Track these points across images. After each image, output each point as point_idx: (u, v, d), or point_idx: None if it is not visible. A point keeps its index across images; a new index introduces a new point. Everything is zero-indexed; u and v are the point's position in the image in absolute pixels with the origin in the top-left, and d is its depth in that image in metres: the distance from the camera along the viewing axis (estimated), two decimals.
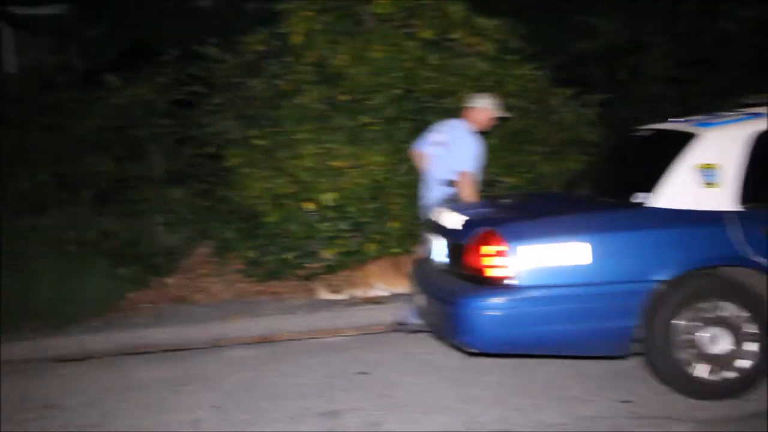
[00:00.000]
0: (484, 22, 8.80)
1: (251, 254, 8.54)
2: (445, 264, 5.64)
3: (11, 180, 8.77)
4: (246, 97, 9.03)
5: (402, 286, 7.66)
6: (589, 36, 11.60)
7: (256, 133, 8.67)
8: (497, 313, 4.91)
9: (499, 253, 4.91)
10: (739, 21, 11.07)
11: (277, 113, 8.70)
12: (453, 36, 8.78)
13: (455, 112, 7.35)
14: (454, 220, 5.54)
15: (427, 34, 8.65)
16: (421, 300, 5.82)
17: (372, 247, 8.35)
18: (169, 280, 8.48)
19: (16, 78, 9.01)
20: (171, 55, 8.77)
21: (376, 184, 8.25)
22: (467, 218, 5.42)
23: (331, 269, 8.47)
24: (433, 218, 6.09)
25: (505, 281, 4.92)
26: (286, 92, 8.89)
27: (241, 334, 7.31)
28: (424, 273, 6.04)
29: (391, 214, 8.32)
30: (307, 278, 8.43)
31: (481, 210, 5.90)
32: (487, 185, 8.60)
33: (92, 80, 9.03)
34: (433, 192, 6.77)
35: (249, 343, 7.14)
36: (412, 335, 6.80)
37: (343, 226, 8.35)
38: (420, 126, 8.49)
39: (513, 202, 5.95)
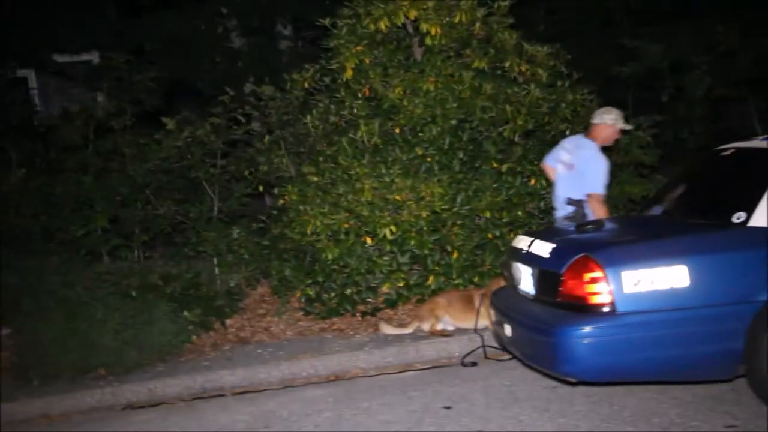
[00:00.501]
0: (535, 49, 8.74)
1: (310, 291, 8.43)
2: (534, 292, 5.51)
3: (68, 226, 8.70)
4: (299, 134, 8.98)
5: (469, 319, 7.57)
6: (631, 59, 11.56)
7: (311, 169, 8.61)
8: (598, 341, 4.80)
9: (596, 280, 4.82)
10: None
11: (332, 149, 8.65)
12: (505, 64, 8.70)
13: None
14: (541, 248, 5.43)
15: (480, 63, 8.57)
16: (507, 329, 5.68)
17: (432, 280, 8.24)
18: (230, 321, 8.35)
19: (68, 124, 8.89)
20: (227, 96, 8.68)
21: (435, 216, 8.14)
22: (555, 245, 5.30)
23: (392, 303, 8.38)
24: (518, 246, 5.96)
25: (604, 308, 4.81)
26: (339, 127, 8.86)
27: (311, 374, 7.19)
28: (508, 302, 5.93)
29: (452, 246, 8.20)
30: (369, 314, 8.32)
31: (569, 236, 5.78)
32: (544, 212, 8.58)
33: (143, 124, 9.00)
34: (558, 210, 6.74)
35: (320, 383, 7.02)
36: (487, 366, 6.72)
37: (403, 259, 8.25)
38: (477, 155, 8.49)
39: (598, 227, 5.82)
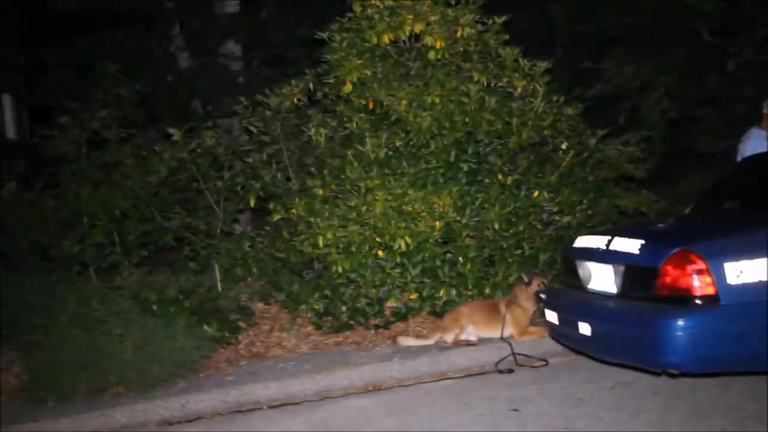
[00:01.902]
0: (534, 65, 8.89)
1: (317, 306, 8.30)
2: (616, 290, 5.57)
3: (60, 242, 8.34)
4: (300, 148, 8.87)
5: (493, 328, 7.60)
6: (592, 80, 11.91)
7: (316, 182, 8.51)
8: (702, 332, 4.89)
9: (699, 272, 4.90)
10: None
11: (337, 162, 8.56)
12: (503, 80, 8.82)
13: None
14: (626, 244, 5.50)
15: (481, 77, 8.66)
16: (583, 328, 5.71)
17: (444, 292, 8.24)
18: (241, 336, 8.12)
19: (62, 134, 8.54)
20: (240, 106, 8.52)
21: (447, 228, 8.16)
22: (645, 240, 5.38)
23: (402, 316, 8.33)
24: (589, 246, 6.02)
25: (707, 300, 4.90)
26: (340, 141, 8.79)
27: (346, 385, 7.06)
28: (578, 301, 5.98)
29: (465, 257, 8.23)
30: (382, 327, 8.23)
31: (658, 231, 5.88)
32: (547, 224, 8.72)
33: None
34: None
35: (360, 393, 6.91)
36: (525, 373, 6.82)
37: (415, 271, 8.21)
38: (481, 168, 8.56)
39: (677, 222, 5.93)
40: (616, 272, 5.58)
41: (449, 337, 7.64)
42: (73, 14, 13.74)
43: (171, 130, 8.45)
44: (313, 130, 8.70)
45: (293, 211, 8.45)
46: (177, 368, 7.27)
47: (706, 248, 4.98)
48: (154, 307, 7.45)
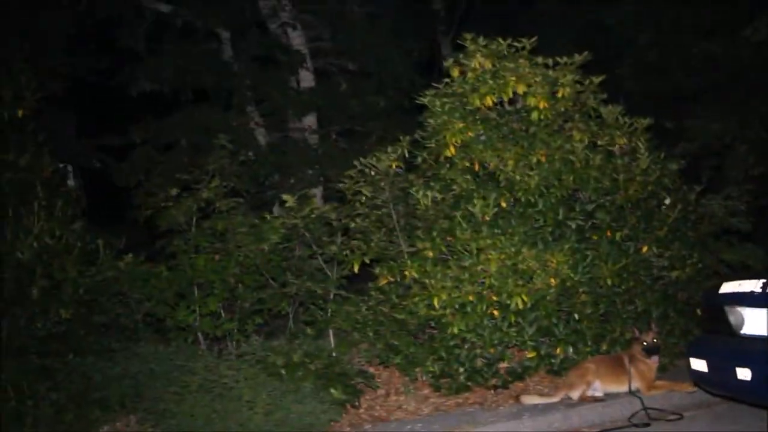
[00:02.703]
0: (636, 121, 8.95)
1: (433, 368, 8.25)
2: None
3: (176, 312, 8.45)
4: (409, 211, 8.96)
5: (620, 382, 7.52)
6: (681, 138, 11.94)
7: (426, 244, 8.53)
8: None
9: None
10: None
11: (445, 223, 8.60)
12: (605, 137, 8.87)
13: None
14: None
15: (582, 137, 8.71)
16: (742, 374, 5.64)
17: (561, 350, 8.20)
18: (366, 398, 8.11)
19: (176, 205, 8.70)
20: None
21: (561, 285, 8.14)
22: None
23: (518, 376, 8.28)
24: (741, 291, 5.98)
25: None
26: (450, 202, 8.84)
27: None
28: (731, 348, 5.90)
29: (581, 314, 8.20)
30: (500, 387, 8.17)
31: None
32: (656, 279, 8.65)
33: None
34: None
35: None
36: (663, 425, 6.78)
37: (531, 330, 8.18)
38: (589, 225, 8.55)
39: None
40: None
41: (575, 394, 7.55)
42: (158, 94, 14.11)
43: (285, 197, 8.58)
44: (420, 193, 8.72)
45: (406, 273, 8.47)
46: None
47: None
48: (282, 372, 7.43)
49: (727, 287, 6.21)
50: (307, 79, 14.66)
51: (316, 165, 13.53)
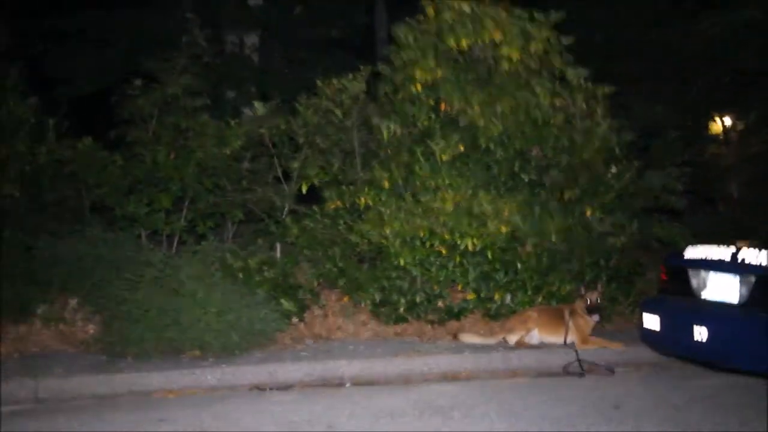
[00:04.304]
0: (598, 88, 9.19)
1: (376, 296, 8.40)
2: (739, 299, 5.89)
3: (126, 203, 8.29)
4: (370, 140, 9.00)
5: (556, 334, 7.83)
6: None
7: (384, 174, 8.62)
8: None
9: None
10: None
11: (405, 157, 8.70)
12: (569, 99, 9.11)
13: None
14: (758, 256, 5.81)
15: (547, 94, 8.91)
16: (699, 334, 6.00)
17: (500, 296, 8.46)
18: (305, 315, 8.19)
19: (145, 94, 8.49)
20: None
21: (513, 233, 8.38)
22: None
23: (455, 314, 8.51)
24: (709, 258, 6.32)
25: None
26: (411, 138, 8.93)
27: (424, 371, 7.21)
28: (691, 309, 6.26)
29: (525, 264, 8.46)
30: (437, 323, 8.38)
31: None
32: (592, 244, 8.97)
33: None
34: None
35: (441, 380, 7.08)
36: (597, 377, 7.09)
37: (475, 272, 8.41)
38: (542, 182, 8.80)
39: None
40: (742, 282, 5.89)
41: (513, 339, 7.83)
42: None
43: (256, 104, 8.50)
44: (384, 123, 8.77)
45: (360, 199, 8.55)
46: (255, 338, 7.30)
47: None
48: (240, 275, 7.43)
49: (693, 252, 6.56)
50: None
51: (258, 82, 13.34)
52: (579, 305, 7.91)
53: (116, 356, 7.01)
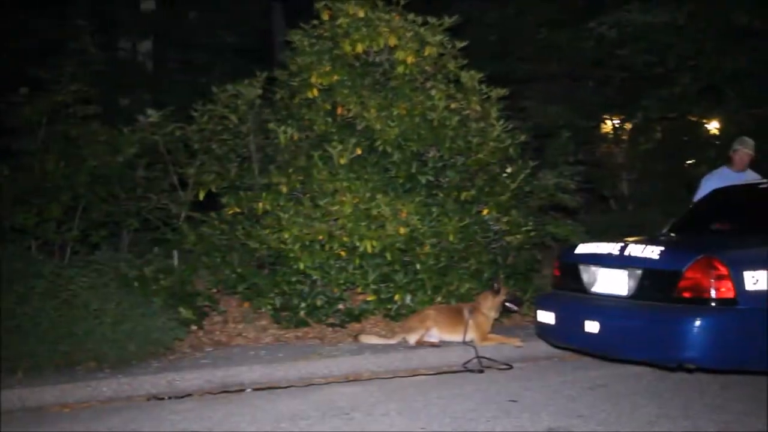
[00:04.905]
0: (491, 90, 9.40)
1: (276, 301, 8.41)
2: (628, 292, 6.11)
3: (15, 215, 8.10)
4: (271, 144, 9.01)
5: (456, 332, 7.96)
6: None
7: (282, 179, 8.64)
8: (722, 332, 5.48)
9: (722, 277, 5.50)
10: None
11: (302, 161, 8.74)
12: (462, 101, 9.29)
13: None
14: (644, 251, 6.03)
15: (442, 97, 9.07)
16: (591, 327, 6.20)
17: (400, 297, 8.55)
18: (204, 322, 8.13)
19: (29, 104, 8.30)
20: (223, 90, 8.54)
21: (411, 234, 8.48)
22: (665, 248, 5.94)
23: (355, 317, 8.57)
24: (598, 252, 6.52)
25: (727, 303, 5.50)
26: (309, 142, 8.97)
27: (326, 374, 7.25)
28: (583, 303, 6.47)
29: (424, 265, 8.58)
30: (338, 325, 8.43)
31: (671, 241, 6.46)
32: (488, 243, 9.19)
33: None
34: None
35: (343, 382, 7.11)
36: (496, 373, 7.27)
37: (375, 274, 8.49)
38: (439, 183, 8.97)
39: (683, 237, 6.57)
40: (630, 276, 6.10)
41: (413, 338, 7.91)
42: None
43: (149, 111, 8.40)
44: (281, 128, 8.79)
45: (258, 205, 8.54)
46: (152, 347, 7.22)
47: (728, 257, 5.60)
48: (135, 284, 7.34)
49: (584, 248, 6.78)
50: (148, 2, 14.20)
51: (152, 89, 13.19)
52: (483, 303, 8.04)
53: (7, 372, 6.80)
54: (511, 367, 7.44)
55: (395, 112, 8.86)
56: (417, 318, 8.07)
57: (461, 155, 9.09)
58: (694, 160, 13.16)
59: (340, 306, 8.58)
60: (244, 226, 8.72)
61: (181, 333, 7.44)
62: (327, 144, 8.72)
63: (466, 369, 7.41)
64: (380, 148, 8.84)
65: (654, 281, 5.94)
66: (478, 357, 7.55)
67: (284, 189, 8.64)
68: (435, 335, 7.98)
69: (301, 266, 8.34)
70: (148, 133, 8.46)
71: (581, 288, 6.62)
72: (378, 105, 8.85)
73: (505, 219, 9.15)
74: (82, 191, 8.21)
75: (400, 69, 9.04)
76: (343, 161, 8.64)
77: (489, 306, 8.01)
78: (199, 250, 8.45)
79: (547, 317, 6.87)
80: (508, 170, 9.46)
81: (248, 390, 6.83)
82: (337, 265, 8.48)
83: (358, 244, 8.31)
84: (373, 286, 8.55)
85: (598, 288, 6.46)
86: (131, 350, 7.04)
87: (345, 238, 8.32)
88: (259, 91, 9.16)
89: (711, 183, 8.57)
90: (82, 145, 8.31)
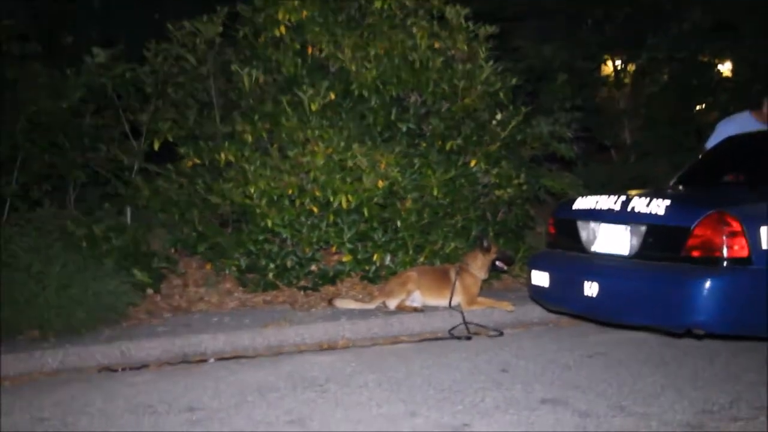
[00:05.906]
0: (479, 28, 9.29)
1: (242, 262, 8.36)
2: (630, 251, 6.08)
3: None
4: (234, 88, 8.89)
5: (441, 296, 7.93)
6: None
7: (246, 127, 8.53)
8: (733, 293, 5.46)
9: (735, 234, 5.47)
10: None
11: (269, 107, 8.64)
12: (448, 40, 9.19)
13: None
14: (650, 205, 5.99)
15: (425, 34, 8.97)
16: (589, 289, 6.18)
17: (378, 256, 8.51)
18: (162, 286, 8.07)
19: None
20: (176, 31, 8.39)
21: (391, 188, 8.42)
22: (672, 202, 5.90)
23: (329, 279, 8.53)
24: (598, 207, 6.48)
25: (741, 262, 5.47)
26: (276, 85, 8.86)
27: (297, 342, 7.22)
28: (581, 263, 6.43)
29: (404, 222, 8.52)
30: (311, 288, 8.38)
31: (679, 195, 6.42)
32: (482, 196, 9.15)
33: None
34: None
35: (317, 351, 7.09)
36: (485, 340, 7.26)
37: (351, 232, 8.44)
38: (422, 131, 8.89)
39: (693, 190, 6.55)
40: (633, 233, 6.07)
41: (393, 303, 7.87)
42: None
43: (95, 51, 8.25)
44: (245, 70, 8.66)
45: (220, 156, 8.44)
46: (103, 314, 7.15)
47: (741, 211, 5.56)
48: (83, 245, 7.25)
49: (582, 202, 6.73)
50: None
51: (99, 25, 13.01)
52: (471, 262, 8.00)
53: None
54: (501, 334, 7.44)
55: (372, 52, 8.76)
56: (398, 280, 8.03)
57: (446, 100, 9.01)
58: (704, 105, 13.12)
59: (313, 267, 8.54)
60: (205, 180, 8.63)
61: (135, 298, 7.39)
62: (297, 88, 8.60)
63: (452, 336, 7.40)
64: (356, 93, 8.75)
65: (659, 239, 5.90)
66: (465, 323, 7.55)
67: (249, 138, 8.53)
68: (417, 299, 7.96)
69: (269, 223, 8.27)
70: (96, 75, 8.28)
71: (579, 246, 6.58)
72: (353, 44, 8.74)
73: (494, 171, 9.09)
74: (21, 140, 8.04)
75: (378, 4, 8.97)
76: (314, 107, 8.53)
77: (477, 266, 7.97)
78: (154, 206, 8.35)
79: (541, 279, 6.85)
80: (498, 117, 9.39)
81: (211, 360, 6.80)
82: (309, 223, 8.41)
83: (331, 198, 8.23)
84: (349, 246, 8.48)
85: (598, 246, 6.43)
86: (79, 317, 6.97)
87: (317, 193, 8.24)
88: (220, 29, 9.01)
89: (728, 128, 8.40)
90: (19, 89, 8.12)
